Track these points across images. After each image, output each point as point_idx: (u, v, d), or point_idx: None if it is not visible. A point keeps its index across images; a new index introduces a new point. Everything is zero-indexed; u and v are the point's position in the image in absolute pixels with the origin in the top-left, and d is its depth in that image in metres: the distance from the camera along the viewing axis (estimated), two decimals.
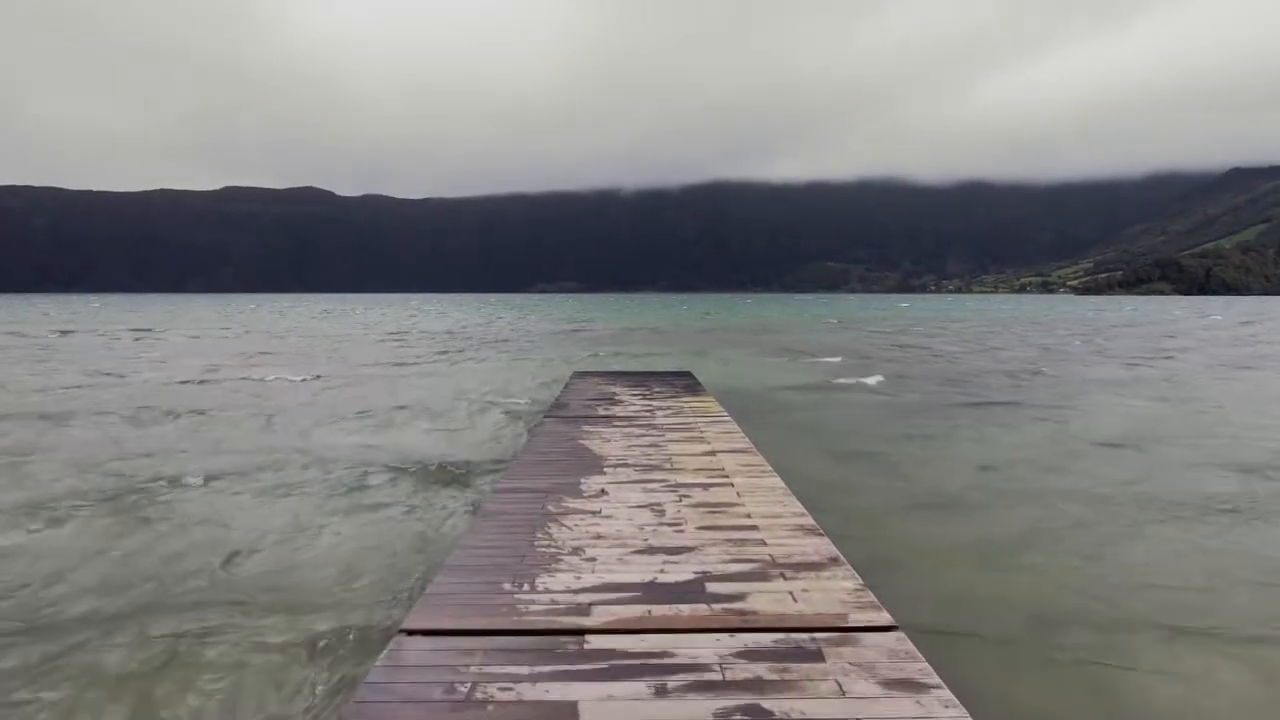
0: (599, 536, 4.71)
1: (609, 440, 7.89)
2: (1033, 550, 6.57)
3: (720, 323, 56.54)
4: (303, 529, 7.14)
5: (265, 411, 14.07)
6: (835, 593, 3.79)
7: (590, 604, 3.67)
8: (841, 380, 18.86)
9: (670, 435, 8.15)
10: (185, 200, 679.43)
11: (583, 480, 6.18)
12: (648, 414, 9.70)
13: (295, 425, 12.68)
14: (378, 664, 3.15)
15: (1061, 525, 7.26)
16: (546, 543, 4.61)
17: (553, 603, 3.69)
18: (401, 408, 14.50)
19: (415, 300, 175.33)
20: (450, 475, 8.98)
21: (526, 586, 3.90)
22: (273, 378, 19.43)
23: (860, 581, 3.93)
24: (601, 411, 9.92)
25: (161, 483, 8.69)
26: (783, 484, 6.02)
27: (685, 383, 13.47)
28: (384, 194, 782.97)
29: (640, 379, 14.22)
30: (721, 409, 10.19)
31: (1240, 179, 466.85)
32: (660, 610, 3.58)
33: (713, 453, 7.22)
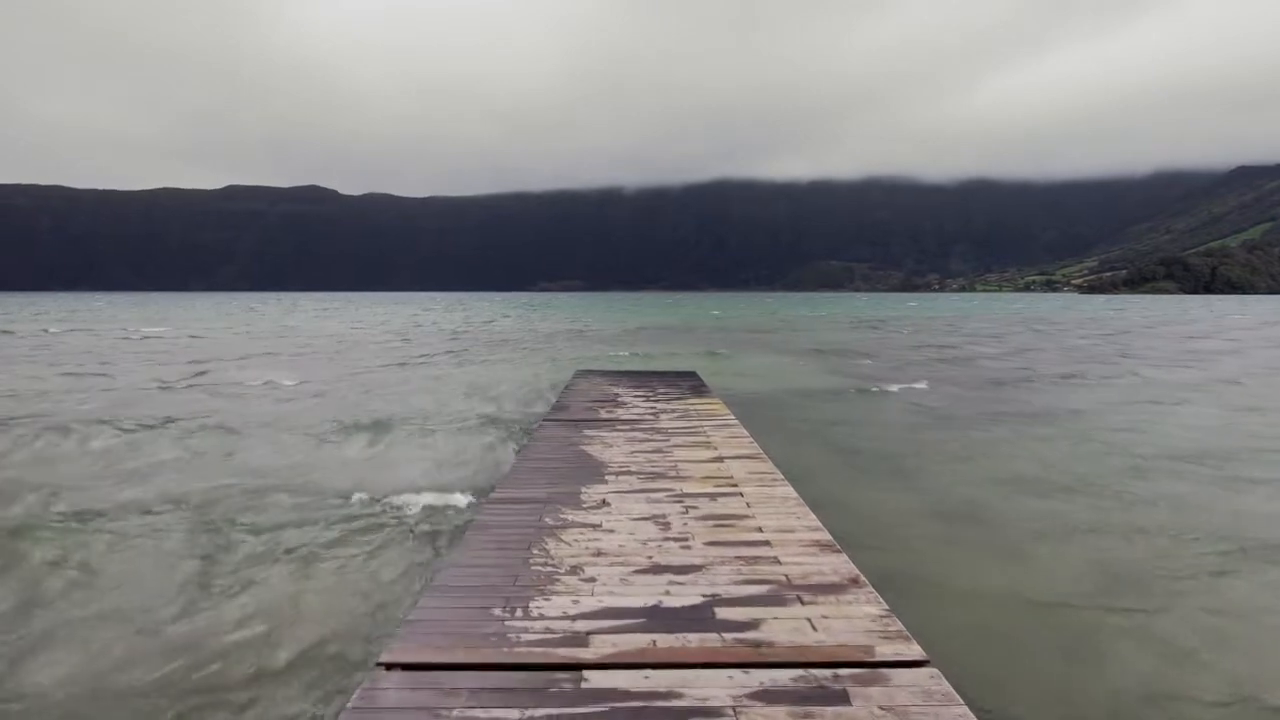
0: (599, 553, 4.37)
1: (611, 445, 7.55)
2: (1116, 597, 5.60)
3: (732, 322, 55.67)
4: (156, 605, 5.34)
5: (235, 424, 12.22)
6: (858, 620, 3.45)
7: (589, 633, 3.33)
8: (883, 387, 17.37)
9: (675, 440, 7.81)
10: (189, 199, 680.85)
11: (583, 489, 5.84)
12: (651, 417, 9.36)
13: (262, 443, 10.83)
14: (350, 705, 2.81)
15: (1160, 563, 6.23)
16: (543, 560, 4.27)
17: (547, 631, 3.35)
18: (391, 421, 12.51)
19: (419, 299, 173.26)
20: (428, 528, 6.99)
21: (519, 612, 3.56)
22: (261, 381, 18.09)
23: (885, 606, 3.58)
24: (604, 414, 9.58)
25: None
26: (795, 494, 5.68)
27: (690, 383, 13.12)
28: (387, 193, 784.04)
29: (644, 379, 13.89)
30: (728, 412, 9.84)
31: (1245, 177, 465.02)
32: (666, 641, 3.24)
33: (720, 459, 6.87)
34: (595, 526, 4.88)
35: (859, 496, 8.18)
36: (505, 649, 3.19)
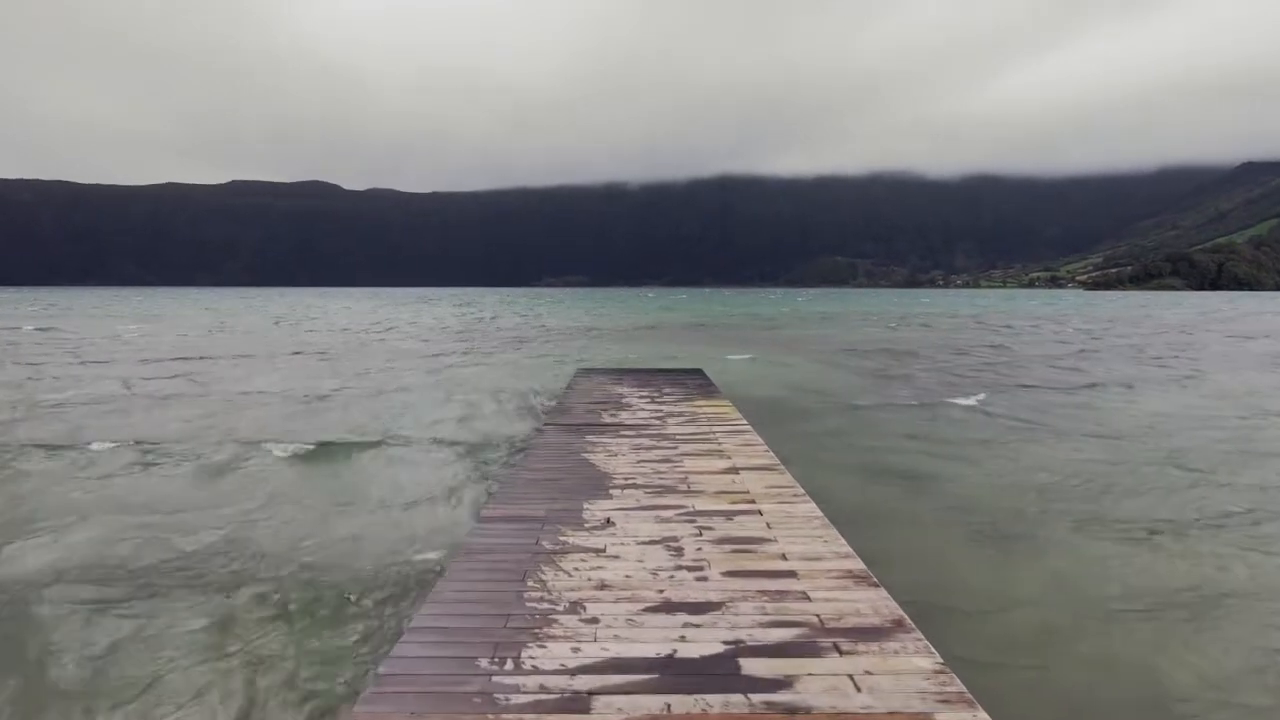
0: (604, 585, 3.85)
1: (615, 454, 7.03)
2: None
3: (749, 318, 54.23)
4: None
5: (145, 456, 9.75)
6: (908, 676, 2.93)
7: (591, 691, 2.82)
8: (950, 400, 15.12)
9: (684, 448, 7.28)
10: (193, 194, 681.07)
11: (585, 505, 5.32)
12: (658, 421, 8.83)
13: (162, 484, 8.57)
14: None
15: None
16: (539, 593, 3.75)
17: (542, 690, 2.84)
18: (373, 443, 10.64)
19: (429, 294, 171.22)
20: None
21: (510, 663, 3.04)
22: (239, 391, 16.04)
23: (938, 658, 3.06)
24: (607, 418, 9.06)
25: None
26: (819, 512, 5.15)
27: (697, 383, 12.60)
28: (390, 188, 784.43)
29: (648, 378, 13.37)
30: (739, 415, 9.31)
31: (1252, 173, 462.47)
32: (682, 704, 2.73)
33: (734, 470, 6.35)
34: (599, 552, 4.36)
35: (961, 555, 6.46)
36: (493, 714, 2.68)
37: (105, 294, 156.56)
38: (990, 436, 11.43)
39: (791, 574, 3.99)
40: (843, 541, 4.51)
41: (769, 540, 4.54)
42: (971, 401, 14.82)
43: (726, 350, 26.80)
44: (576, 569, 4.08)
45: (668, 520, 4.96)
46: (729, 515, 5.05)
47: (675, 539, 4.57)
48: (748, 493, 5.63)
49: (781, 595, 3.70)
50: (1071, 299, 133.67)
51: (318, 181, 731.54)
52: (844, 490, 7.98)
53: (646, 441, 7.59)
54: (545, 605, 3.60)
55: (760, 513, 5.11)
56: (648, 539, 4.58)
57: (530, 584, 3.87)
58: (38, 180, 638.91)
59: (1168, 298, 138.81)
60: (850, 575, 3.97)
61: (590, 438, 7.80)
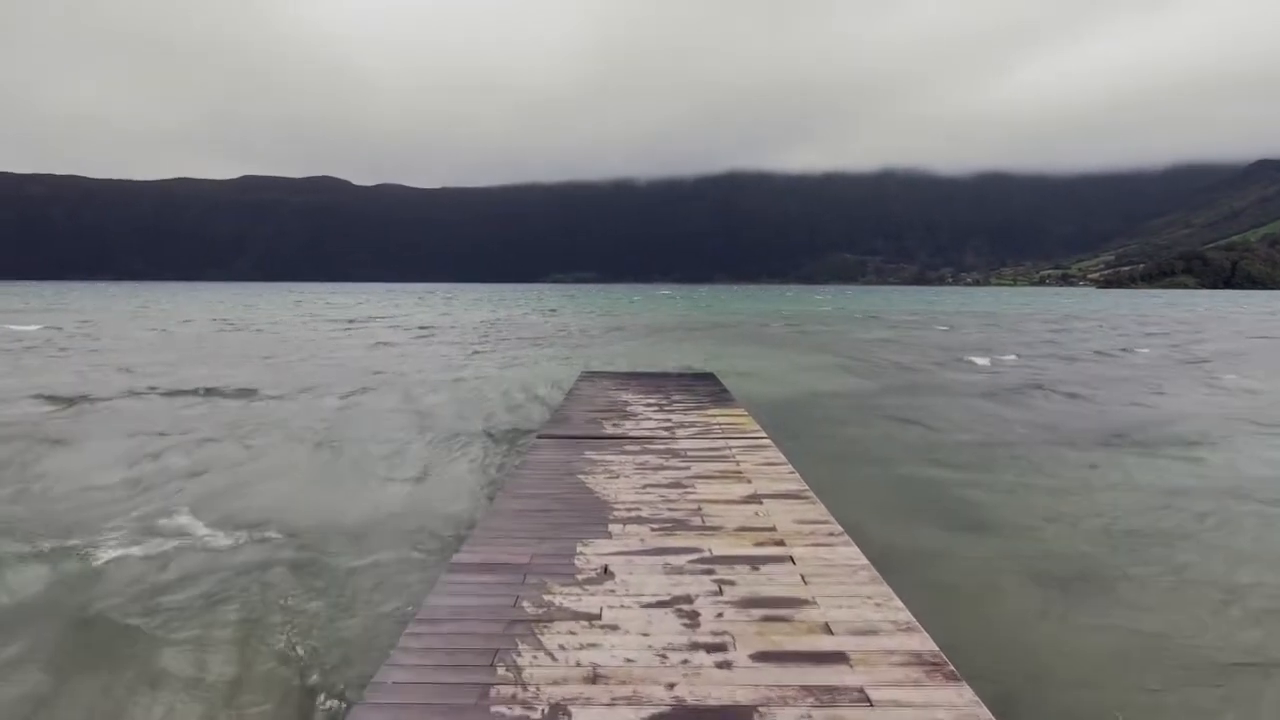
0: (595, 677, 2.92)
1: (617, 475, 6.11)
2: None
3: (783, 316, 51.91)
4: None
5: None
6: None
7: None
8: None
9: (697, 468, 6.35)
10: (204, 189, 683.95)
11: (579, 547, 4.39)
12: (667, 432, 7.91)
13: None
14: None
15: None
16: (510, 690, 2.83)
17: None
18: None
19: (439, 290, 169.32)
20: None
21: None
22: (201, 407, 13.30)
23: None
24: (610, 428, 8.15)
25: None
26: (861, 557, 4.21)
27: (708, 388, 11.67)
28: (400, 184, 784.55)
29: (656, 382, 12.46)
30: (755, 425, 8.38)
31: (1267, 170, 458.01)
32: None
33: (756, 498, 5.42)
34: (592, 619, 3.43)
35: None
36: None
37: (129, 289, 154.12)
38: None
39: (841, 657, 3.06)
40: (899, 604, 3.58)
41: (806, 603, 3.61)
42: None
43: (796, 354, 24.61)
44: (562, 647, 3.16)
45: (679, 570, 4.03)
46: (754, 564, 4.12)
47: (689, 599, 3.65)
48: (774, 529, 4.70)
49: (832, 695, 2.78)
50: (1093, 299, 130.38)
51: (328, 177, 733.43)
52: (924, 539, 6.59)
53: (653, 459, 6.67)
54: (517, 712, 2.69)
55: (792, 559, 4.18)
56: (654, 598, 3.66)
57: (501, 673, 2.95)
58: (48, 175, 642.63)
59: (1182, 296, 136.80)
60: (918, 661, 3.03)
61: (590, 453, 6.88)
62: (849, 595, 3.69)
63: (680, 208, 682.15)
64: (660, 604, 3.60)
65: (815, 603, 3.61)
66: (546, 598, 3.67)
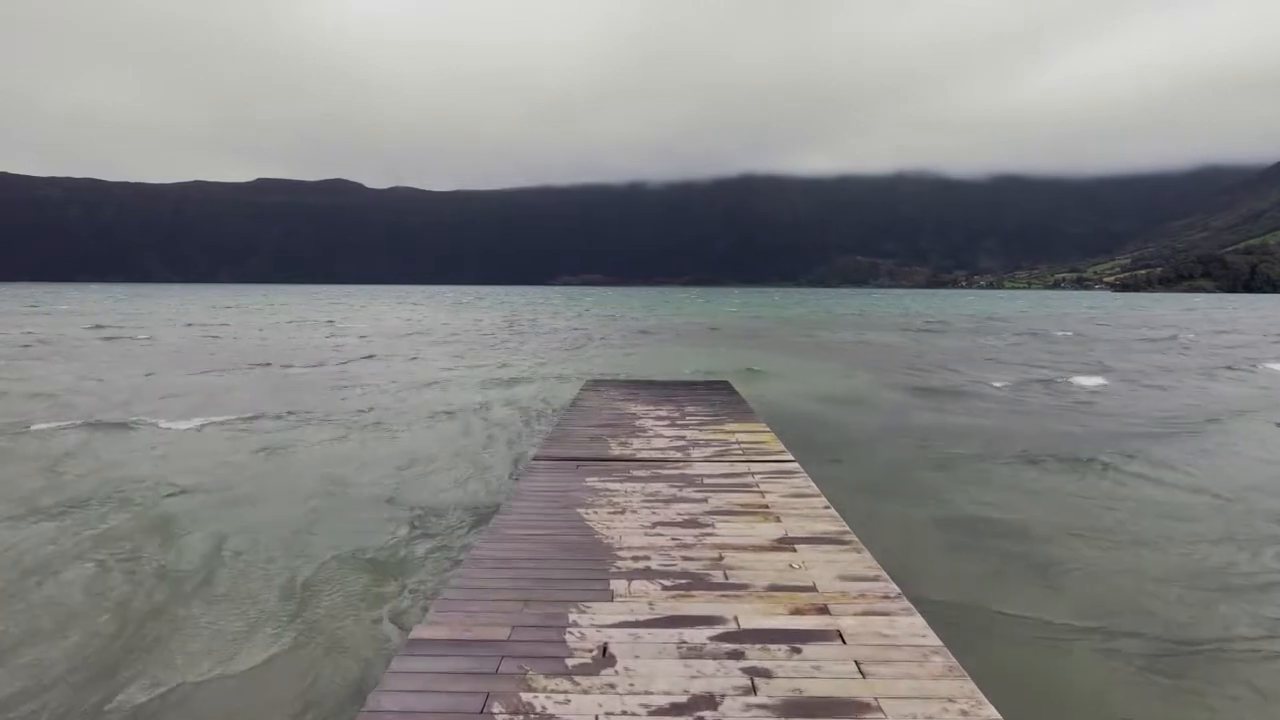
0: None
1: (623, 510, 5.22)
2: None
3: (813, 320, 49.60)
4: None
5: None
6: None
7: None
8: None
9: (716, 500, 5.45)
10: (218, 192, 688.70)
11: (572, 614, 3.51)
12: (680, 454, 7.02)
13: None
14: None
15: None
16: None
17: None
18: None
19: (450, 292, 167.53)
20: None
21: None
22: (181, 425, 11.89)
23: None
24: (615, 448, 7.27)
25: None
26: (929, 632, 3.31)
27: (724, 398, 10.76)
28: (412, 186, 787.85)
29: (667, 391, 11.57)
30: (780, 445, 7.46)
31: None
32: None
33: (788, 542, 4.52)
34: None
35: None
36: None
37: (143, 290, 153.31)
38: None
39: None
40: (993, 712, 2.69)
41: (868, 708, 2.72)
42: None
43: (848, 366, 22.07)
44: None
45: (698, 652, 3.15)
46: (793, 642, 3.23)
47: (712, 700, 2.77)
48: (814, 589, 3.80)
49: None
50: (1113, 301, 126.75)
51: (342, 180, 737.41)
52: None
53: (665, 488, 5.78)
54: None
55: (840, 636, 3.28)
56: (666, 698, 2.78)
57: None
58: (65, 178, 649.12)
59: (1206, 300, 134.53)
60: None
61: (592, 479, 6.01)
62: (922, 697, 2.80)
63: (692, 210, 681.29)
64: (675, 709, 2.71)
65: (878, 708, 2.72)
66: (526, 697, 2.79)
